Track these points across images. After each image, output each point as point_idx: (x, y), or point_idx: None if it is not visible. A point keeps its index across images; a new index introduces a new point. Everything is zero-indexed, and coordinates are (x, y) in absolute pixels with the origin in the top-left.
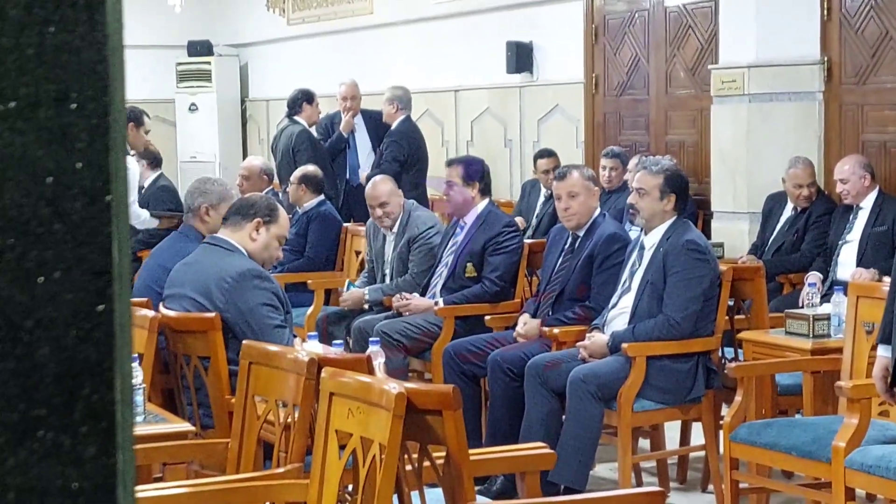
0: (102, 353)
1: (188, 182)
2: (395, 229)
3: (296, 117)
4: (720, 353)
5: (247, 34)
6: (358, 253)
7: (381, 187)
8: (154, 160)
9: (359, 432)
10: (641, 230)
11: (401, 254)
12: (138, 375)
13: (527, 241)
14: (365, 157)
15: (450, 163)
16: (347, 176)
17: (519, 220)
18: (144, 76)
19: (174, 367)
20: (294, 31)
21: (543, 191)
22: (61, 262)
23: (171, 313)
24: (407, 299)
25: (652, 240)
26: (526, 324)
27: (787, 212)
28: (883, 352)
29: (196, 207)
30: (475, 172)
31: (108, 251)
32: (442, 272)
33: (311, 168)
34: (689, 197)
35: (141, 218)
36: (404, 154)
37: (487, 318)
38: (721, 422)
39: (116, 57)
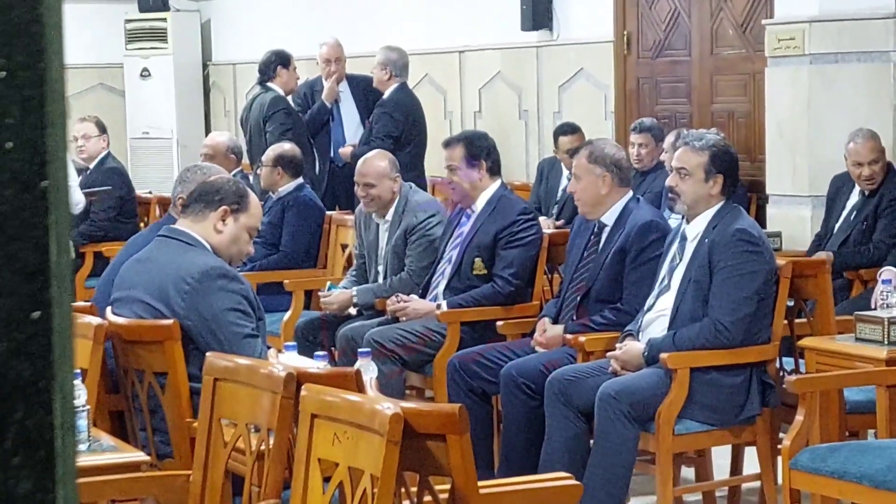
0: (38, 368)
1: (140, 162)
2: (389, 217)
3: (269, 84)
4: (778, 364)
5: None
6: (344, 247)
7: (373, 164)
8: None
9: (346, 461)
10: (683, 218)
11: (396, 247)
12: (81, 395)
13: (546, 231)
14: (352, 131)
15: (447, 143)
16: (332, 154)
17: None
18: (86, 36)
19: (125, 385)
20: None
21: (566, 172)
22: None
23: (121, 320)
24: (404, 301)
25: (695, 229)
26: (546, 330)
27: (855, 196)
28: None
29: (174, 197)
30: (480, 149)
31: (45, 248)
32: (445, 269)
33: (287, 146)
34: (739, 178)
35: (76, 202)
36: (399, 129)
37: (500, 323)
38: (779, 446)
39: (53, 15)
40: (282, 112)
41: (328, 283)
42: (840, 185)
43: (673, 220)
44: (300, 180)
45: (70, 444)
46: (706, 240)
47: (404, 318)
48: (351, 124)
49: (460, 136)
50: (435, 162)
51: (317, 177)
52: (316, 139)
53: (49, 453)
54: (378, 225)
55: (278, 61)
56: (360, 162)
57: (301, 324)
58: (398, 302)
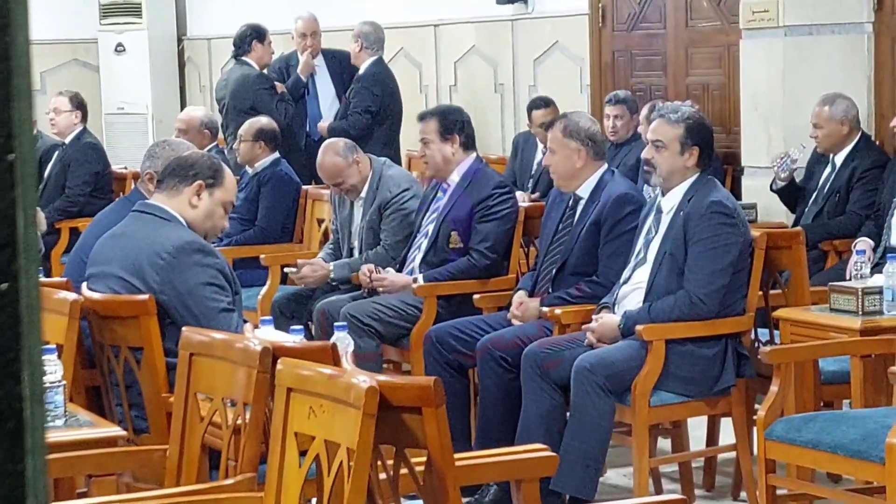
0: (6, 340)
1: (115, 138)
2: (363, 194)
3: (244, 58)
4: (753, 335)
5: None
6: (321, 221)
7: (330, 164)
8: (85, 111)
9: (322, 435)
10: (658, 190)
11: (371, 222)
12: (58, 370)
13: (522, 204)
14: (328, 105)
15: (422, 117)
16: (307, 128)
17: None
18: (60, 12)
19: (101, 361)
20: None
21: (540, 146)
22: None
23: (97, 296)
24: (381, 276)
25: (671, 202)
26: (522, 303)
27: (829, 167)
28: None
29: (143, 172)
30: (453, 123)
31: (12, 220)
32: (421, 243)
33: (264, 120)
34: (714, 150)
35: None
36: (377, 103)
37: (476, 297)
38: (754, 417)
39: None
40: (263, 86)
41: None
42: (819, 156)
43: (648, 192)
44: (276, 155)
45: (39, 414)
46: (681, 212)
47: (381, 291)
48: (326, 98)
49: (434, 110)
50: (411, 136)
51: (295, 151)
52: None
53: (18, 424)
54: (352, 201)
55: (253, 35)
56: (318, 164)
57: (278, 298)
58: (370, 274)
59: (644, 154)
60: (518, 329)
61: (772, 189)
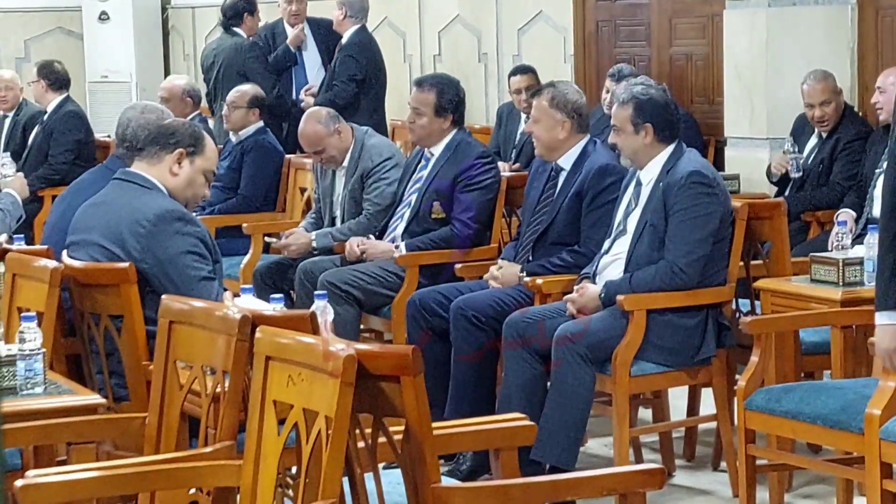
0: None
1: (99, 106)
2: (345, 164)
3: (234, 29)
4: (734, 306)
5: None
6: (303, 190)
7: (311, 132)
8: (57, 80)
9: (301, 403)
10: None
11: (353, 192)
12: (37, 338)
13: (505, 174)
14: (314, 74)
15: (419, 83)
16: (294, 97)
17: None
18: None
19: (81, 329)
20: None
21: (524, 116)
22: None
23: (77, 264)
24: (363, 244)
25: (649, 174)
26: (503, 267)
27: (814, 138)
28: (887, 319)
29: (118, 137)
30: (449, 103)
31: None
32: (404, 213)
33: (255, 88)
34: (674, 121)
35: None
36: (362, 71)
37: (458, 266)
38: (735, 387)
39: None
40: (258, 58)
41: None
42: (802, 126)
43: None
44: (261, 123)
45: None
46: (661, 183)
47: (364, 257)
48: (313, 68)
49: (434, 81)
50: (395, 105)
51: (280, 120)
52: (279, 82)
53: None
54: (334, 171)
55: (245, 8)
56: (299, 131)
57: (260, 267)
58: (359, 245)
59: (610, 139)
60: (494, 291)
61: (772, 181)
